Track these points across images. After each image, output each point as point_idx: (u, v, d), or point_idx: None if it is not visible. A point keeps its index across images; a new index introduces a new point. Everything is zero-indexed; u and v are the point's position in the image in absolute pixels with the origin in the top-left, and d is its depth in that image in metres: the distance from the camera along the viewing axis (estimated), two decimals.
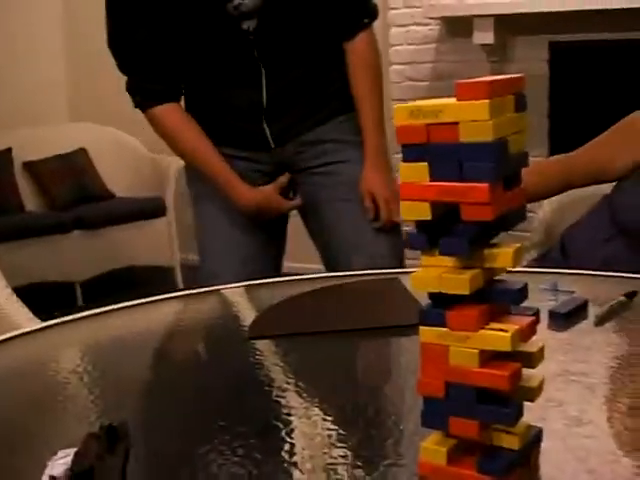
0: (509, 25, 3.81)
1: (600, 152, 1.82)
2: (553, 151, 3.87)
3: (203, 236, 1.97)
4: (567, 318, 1.15)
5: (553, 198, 2.04)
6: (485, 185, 0.61)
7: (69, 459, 0.65)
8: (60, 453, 0.66)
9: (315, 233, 2.02)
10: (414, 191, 0.65)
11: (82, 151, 4.73)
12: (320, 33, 1.88)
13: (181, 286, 4.43)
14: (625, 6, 3.45)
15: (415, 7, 4.00)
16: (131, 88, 1.89)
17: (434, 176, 0.64)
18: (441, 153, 0.63)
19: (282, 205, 1.94)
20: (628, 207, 1.70)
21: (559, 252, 1.81)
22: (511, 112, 0.66)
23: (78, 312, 1.30)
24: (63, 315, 1.28)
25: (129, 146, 4.91)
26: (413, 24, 4.06)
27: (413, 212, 0.65)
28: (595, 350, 1.04)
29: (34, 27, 5.17)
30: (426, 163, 0.64)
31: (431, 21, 3.98)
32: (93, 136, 4.87)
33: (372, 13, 1.92)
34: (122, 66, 1.87)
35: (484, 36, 3.80)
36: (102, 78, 5.27)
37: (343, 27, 1.90)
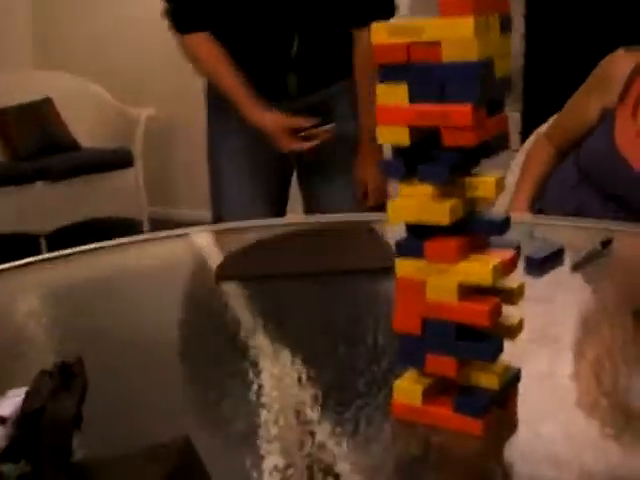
0: None
1: (578, 107, 1.78)
2: (527, 107, 3.84)
3: (213, 177, 2.10)
4: (543, 264, 1.12)
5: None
6: (468, 107, 0.57)
7: (19, 399, 0.60)
8: (10, 393, 0.62)
9: (304, 189, 2.13)
10: (392, 114, 0.60)
11: (47, 100, 4.60)
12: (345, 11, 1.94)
13: None
14: None
15: None
16: (174, 12, 1.98)
17: (414, 98, 0.60)
18: (422, 73, 0.59)
19: (283, 140, 1.93)
20: (589, 152, 1.67)
21: (532, 207, 1.79)
22: (496, 32, 0.61)
23: None
24: None
25: (96, 95, 4.80)
26: None
27: (390, 137, 0.61)
28: (573, 296, 1.02)
29: None
30: (405, 84, 0.60)
31: None
32: (59, 84, 4.74)
33: (391, 11, 1.97)
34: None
35: None
36: (70, 23, 5.15)
37: (358, 16, 1.95)
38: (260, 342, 0.86)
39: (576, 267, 1.13)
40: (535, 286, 1.03)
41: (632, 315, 0.92)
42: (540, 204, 1.77)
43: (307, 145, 1.92)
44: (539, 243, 1.22)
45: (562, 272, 1.11)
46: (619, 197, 1.61)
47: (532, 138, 1.98)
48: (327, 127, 1.92)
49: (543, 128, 1.94)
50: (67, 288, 1.15)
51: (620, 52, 1.71)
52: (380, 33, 0.61)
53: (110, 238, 1.37)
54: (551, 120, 1.91)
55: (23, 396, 0.61)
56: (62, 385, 0.61)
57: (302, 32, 1.94)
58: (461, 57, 0.58)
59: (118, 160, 4.49)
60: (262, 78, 1.99)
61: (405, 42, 0.60)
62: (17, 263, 1.23)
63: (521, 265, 1.11)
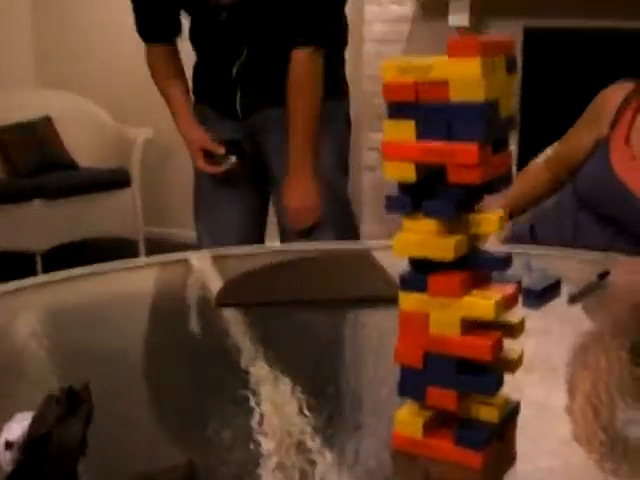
0: (484, 8, 3.79)
1: (573, 138, 1.86)
2: (523, 140, 3.87)
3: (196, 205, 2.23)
4: (541, 296, 1.13)
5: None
6: (474, 146, 0.59)
7: (26, 423, 0.61)
8: (18, 416, 0.63)
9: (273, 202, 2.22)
10: (399, 151, 0.62)
11: (46, 119, 4.62)
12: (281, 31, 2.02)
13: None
14: None
15: None
16: (136, 23, 2.14)
17: (421, 135, 0.61)
18: (429, 112, 0.61)
19: (197, 159, 2.10)
20: (585, 181, 1.73)
21: (528, 234, 1.82)
22: (502, 73, 0.63)
23: None
24: None
25: (95, 115, 4.82)
26: (388, 2, 4.03)
27: (397, 173, 0.62)
28: (570, 328, 1.03)
29: None
30: (413, 122, 0.61)
31: (407, 0, 3.95)
32: (58, 104, 4.76)
33: (314, 39, 1.98)
34: (137, 10, 2.12)
35: (459, 18, 3.77)
36: (71, 43, 5.18)
37: (290, 37, 1.99)
38: (261, 369, 0.87)
39: (573, 299, 1.15)
40: (533, 318, 1.04)
41: (629, 348, 0.93)
42: (539, 230, 1.81)
43: (212, 169, 2.08)
44: (537, 274, 1.23)
45: (560, 304, 1.12)
46: (618, 221, 1.66)
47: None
48: (231, 160, 2.09)
49: (540, 158, 1.99)
50: (68, 311, 1.16)
51: (611, 86, 1.81)
52: (389, 70, 0.62)
53: (106, 257, 1.38)
54: (549, 148, 1.97)
55: (30, 421, 0.62)
56: (68, 410, 0.61)
57: (249, 50, 2.04)
58: (468, 97, 0.59)
59: (115, 180, 4.50)
60: (215, 95, 2.14)
61: (413, 80, 0.61)
62: (14, 285, 1.23)
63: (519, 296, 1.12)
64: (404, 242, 0.63)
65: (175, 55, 2.15)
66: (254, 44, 2.05)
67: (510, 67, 0.65)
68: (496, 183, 0.63)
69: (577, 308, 1.11)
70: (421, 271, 0.63)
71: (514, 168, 3.85)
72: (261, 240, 2.22)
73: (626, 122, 1.72)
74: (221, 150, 2.09)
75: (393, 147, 0.62)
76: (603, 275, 1.24)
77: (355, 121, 4.74)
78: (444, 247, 0.61)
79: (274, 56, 2.03)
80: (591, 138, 1.78)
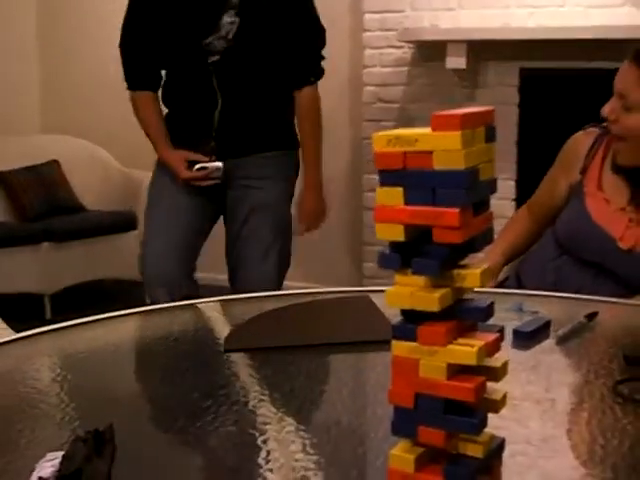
0: (481, 51, 3.90)
1: (549, 184, 1.93)
2: (521, 176, 3.95)
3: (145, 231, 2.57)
4: (530, 337, 1.20)
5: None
6: (456, 210, 0.66)
7: (57, 461, 0.68)
8: (48, 455, 0.69)
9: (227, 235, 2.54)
10: (389, 214, 0.69)
11: (54, 163, 4.72)
12: (272, 79, 2.41)
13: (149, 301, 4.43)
14: (594, 37, 3.55)
15: (390, 30, 4.08)
16: (128, 74, 2.49)
17: (409, 200, 0.68)
18: (416, 179, 0.68)
19: (180, 169, 2.39)
20: (564, 227, 1.80)
21: (515, 281, 1.89)
22: (482, 143, 0.70)
23: (47, 324, 1.32)
24: (31, 327, 1.30)
25: (101, 159, 4.92)
26: (387, 47, 4.13)
27: (388, 233, 0.69)
28: (556, 368, 1.09)
29: (7, 34, 5.16)
30: (401, 188, 0.69)
31: (405, 44, 4.06)
32: (65, 148, 4.87)
33: (319, 74, 2.51)
34: (125, 59, 2.47)
35: (457, 61, 3.87)
36: (75, 90, 5.30)
37: (294, 80, 2.46)
38: (266, 411, 0.94)
39: (562, 340, 1.21)
40: (522, 358, 1.11)
41: (612, 386, 0.99)
42: (522, 276, 1.87)
43: (200, 174, 2.35)
44: (527, 317, 1.30)
45: (548, 345, 1.19)
46: (599, 264, 1.72)
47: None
48: (216, 164, 2.36)
49: (523, 206, 2.07)
50: (82, 356, 1.22)
51: (579, 132, 1.89)
52: (380, 142, 0.70)
53: (114, 299, 1.44)
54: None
55: (59, 459, 0.68)
56: (95, 450, 0.68)
57: (224, 100, 2.36)
58: (450, 166, 0.67)
59: (122, 223, 4.59)
60: (191, 140, 2.43)
61: (401, 151, 0.69)
62: (33, 332, 1.29)
63: (509, 338, 1.18)
64: (395, 295, 0.70)
65: (157, 101, 2.49)
66: (231, 93, 2.35)
67: (490, 136, 0.72)
68: (478, 242, 0.70)
69: (565, 348, 1.18)
70: (411, 320, 0.70)
71: (513, 204, 3.93)
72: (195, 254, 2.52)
73: (596, 167, 1.80)
74: (205, 158, 2.37)
75: (384, 211, 0.69)
76: (591, 316, 1.31)
77: (354, 164, 4.84)
78: (430, 300, 0.68)
79: (250, 105, 2.39)
80: (566, 183, 1.86)
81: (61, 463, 0.67)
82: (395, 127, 4.12)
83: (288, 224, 2.51)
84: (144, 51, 2.43)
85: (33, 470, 0.68)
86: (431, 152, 0.68)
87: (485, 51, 3.89)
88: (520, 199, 3.89)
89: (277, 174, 2.47)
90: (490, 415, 0.71)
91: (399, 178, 0.69)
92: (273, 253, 2.43)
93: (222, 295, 1.50)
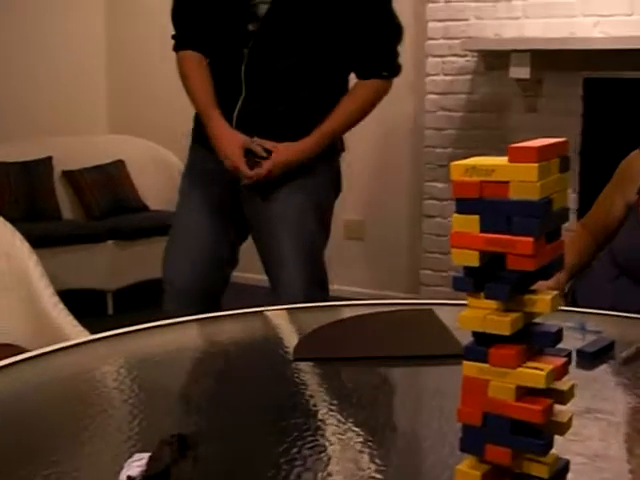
0: (545, 61, 3.88)
1: (606, 203, 1.92)
2: (583, 188, 3.92)
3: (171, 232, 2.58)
4: (594, 358, 1.21)
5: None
6: (530, 239, 0.69)
7: (144, 462, 0.72)
8: (135, 456, 0.74)
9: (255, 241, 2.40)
10: (465, 240, 0.72)
11: (120, 163, 4.84)
12: (311, 71, 2.17)
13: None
14: None
15: (454, 39, 4.09)
16: (177, 34, 2.35)
17: (484, 228, 0.71)
18: (492, 208, 0.71)
19: (235, 158, 2.14)
20: (623, 248, 1.79)
21: (570, 299, 1.89)
22: (556, 173, 0.73)
23: (108, 320, 1.37)
24: (93, 323, 1.34)
25: (165, 160, 5.02)
26: (450, 55, 4.14)
27: (463, 258, 0.72)
28: (620, 389, 1.10)
29: (76, 38, 5.30)
30: (477, 216, 0.72)
31: (468, 53, 4.06)
32: (131, 149, 4.98)
33: (393, 70, 2.26)
34: (176, 25, 2.34)
35: (520, 71, 3.86)
36: (142, 92, 5.43)
37: (360, 71, 2.23)
38: (333, 421, 0.97)
39: (626, 361, 1.22)
40: (585, 378, 1.13)
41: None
42: (579, 295, 1.88)
43: (255, 173, 2.13)
44: (591, 336, 1.31)
45: (612, 366, 1.20)
46: None
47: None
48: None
49: (577, 224, 2.07)
50: (153, 359, 1.27)
51: (635, 152, 1.88)
52: (458, 171, 0.73)
53: None
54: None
55: (146, 460, 0.73)
56: (179, 453, 0.73)
57: (248, 90, 2.16)
58: (525, 196, 0.70)
59: None
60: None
61: (478, 180, 0.72)
62: (106, 334, 1.35)
63: (572, 357, 1.20)
64: (468, 318, 0.73)
65: (206, 67, 2.27)
66: (257, 84, 2.16)
67: (563, 167, 0.75)
68: (549, 269, 0.73)
69: (629, 369, 1.19)
70: (483, 342, 0.73)
71: (573, 216, 3.91)
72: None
73: None
74: (262, 152, 2.14)
75: (460, 237, 0.72)
76: None
77: (415, 172, 4.82)
78: (502, 324, 0.71)
79: (275, 95, 2.17)
80: (621, 202, 1.85)
81: (148, 464, 0.72)
82: (457, 136, 4.14)
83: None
84: (193, 17, 2.28)
85: (122, 469, 0.73)
86: (507, 182, 0.70)
87: (549, 61, 3.88)
88: (582, 210, 3.86)
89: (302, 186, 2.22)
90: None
91: (475, 206, 0.72)
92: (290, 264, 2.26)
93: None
